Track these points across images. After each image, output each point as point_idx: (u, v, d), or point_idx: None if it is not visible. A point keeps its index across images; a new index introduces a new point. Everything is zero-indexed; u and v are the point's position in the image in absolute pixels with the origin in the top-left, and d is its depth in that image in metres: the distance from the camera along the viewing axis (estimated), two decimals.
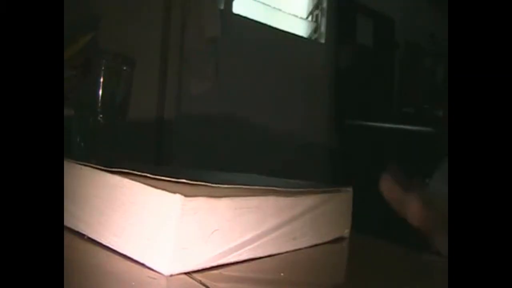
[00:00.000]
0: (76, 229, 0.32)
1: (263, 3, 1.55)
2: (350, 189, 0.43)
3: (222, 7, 1.30)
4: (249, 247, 0.31)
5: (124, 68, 0.48)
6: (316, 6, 1.76)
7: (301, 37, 1.69)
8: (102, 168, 0.31)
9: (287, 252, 0.35)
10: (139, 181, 0.29)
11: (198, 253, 0.28)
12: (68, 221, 0.32)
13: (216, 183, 0.31)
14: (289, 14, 1.66)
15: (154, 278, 0.26)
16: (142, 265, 0.27)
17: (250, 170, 0.53)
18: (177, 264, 0.27)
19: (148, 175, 0.29)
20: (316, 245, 0.38)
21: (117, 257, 0.28)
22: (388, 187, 0.56)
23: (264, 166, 0.83)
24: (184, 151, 1.20)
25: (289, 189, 0.35)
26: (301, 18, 1.72)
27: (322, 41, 1.75)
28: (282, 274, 0.31)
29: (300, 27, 1.71)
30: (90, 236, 0.31)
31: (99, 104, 0.45)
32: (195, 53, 1.18)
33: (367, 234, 0.43)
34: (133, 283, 0.26)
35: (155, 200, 0.27)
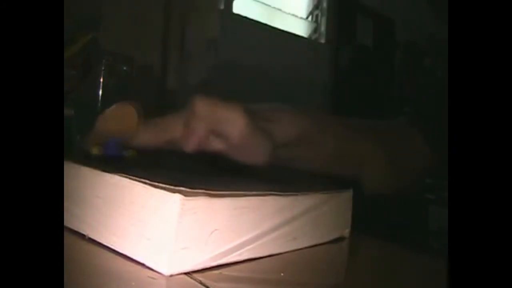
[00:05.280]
0: (76, 229, 0.32)
1: (263, 3, 1.55)
2: (350, 189, 0.43)
3: (222, 7, 1.30)
4: (249, 247, 0.31)
5: (124, 68, 0.48)
6: (316, 6, 1.76)
7: (301, 37, 1.69)
8: (102, 168, 0.31)
9: (287, 252, 0.35)
10: (139, 181, 0.29)
11: (198, 253, 0.28)
12: (68, 221, 0.32)
13: (216, 184, 0.31)
14: (289, 14, 1.66)
15: (154, 278, 0.26)
16: (142, 265, 0.27)
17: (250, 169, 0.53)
18: (177, 264, 0.27)
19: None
20: (316, 245, 0.38)
21: (117, 257, 0.28)
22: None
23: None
24: None
25: (289, 189, 0.35)
26: (301, 18, 1.72)
27: (322, 41, 1.75)
28: (282, 274, 0.31)
29: (300, 27, 1.71)
30: (90, 236, 0.31)
31: (99, 104, 0.45)
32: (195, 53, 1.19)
33: (367, 234, 0.43)
34: (133, 283, 0.26)
35: (154, 199, 0.27)
